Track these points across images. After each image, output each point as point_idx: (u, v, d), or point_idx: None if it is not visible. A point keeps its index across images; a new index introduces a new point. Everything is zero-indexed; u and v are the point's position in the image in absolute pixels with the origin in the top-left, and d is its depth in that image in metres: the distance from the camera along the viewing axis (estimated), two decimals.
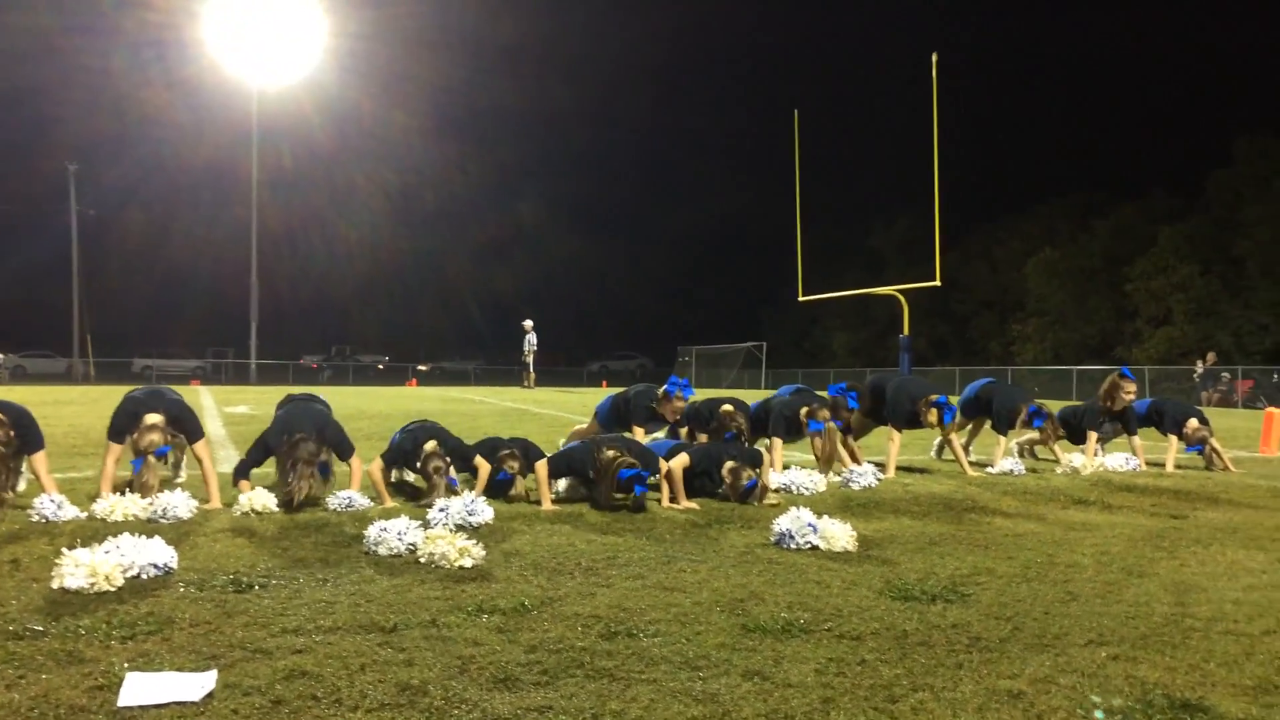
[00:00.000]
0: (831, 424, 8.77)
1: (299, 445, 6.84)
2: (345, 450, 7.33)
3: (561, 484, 7.64)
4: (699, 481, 7.67)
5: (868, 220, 69.75)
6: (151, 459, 6.68)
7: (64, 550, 4.72)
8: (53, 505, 6.29)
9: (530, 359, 35.44)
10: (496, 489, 7.45)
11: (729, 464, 7.52)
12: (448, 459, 7.26)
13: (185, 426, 7.28)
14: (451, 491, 6.99)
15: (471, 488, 7.31)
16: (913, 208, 56.78)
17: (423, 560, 5.23)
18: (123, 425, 7.01)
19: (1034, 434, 10.42)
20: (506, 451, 7.64)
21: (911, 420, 9.86)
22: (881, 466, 9.46)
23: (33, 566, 4.97)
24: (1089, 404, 11.29)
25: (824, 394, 9.62)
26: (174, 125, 56.52)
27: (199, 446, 7.25)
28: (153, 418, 6.96)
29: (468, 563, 5.15)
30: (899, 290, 27.39)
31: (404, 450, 7.46)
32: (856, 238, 69.52)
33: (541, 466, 7.32)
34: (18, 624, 3.94)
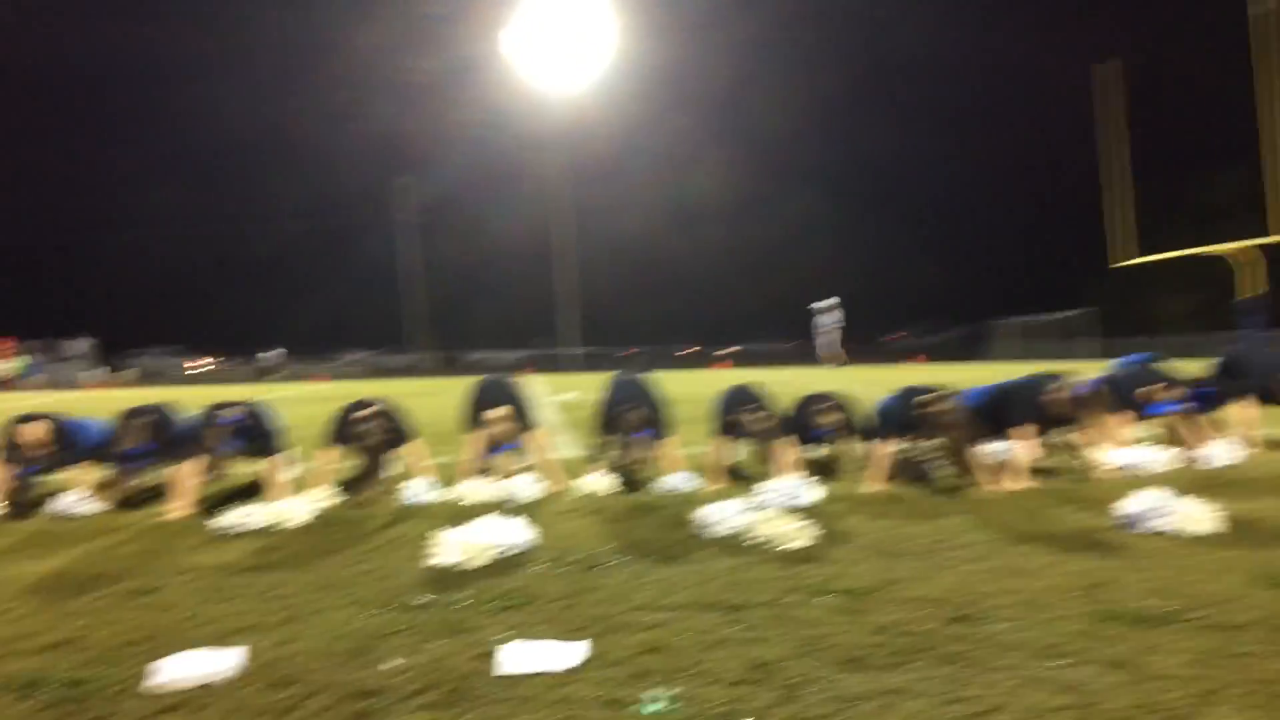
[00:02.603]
0: (1178, 409, 8.08)
1: (628, 415, 7.22)
2: (664, 428, 7.62)
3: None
4: None
5: (1198, 174, 63.11)
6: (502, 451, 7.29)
7: (437, 530, 5.23)
8: (421, 489, 6.98)
9: (833, 337, 35.10)
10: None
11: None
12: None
13: (526, 416, 7.84)
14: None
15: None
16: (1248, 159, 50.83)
17: (756, 541, 5.35)
18: (474, 416, 7.66)
19: None
20: (826, 405, 7.65)
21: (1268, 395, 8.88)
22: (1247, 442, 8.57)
23: (410, 545, 5.54)
24: None
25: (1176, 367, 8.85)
26: (483, 131, 60.46)
27: (537, 434, 7.78)
28: (499, 411, 7.54)
29: (800, 544, 5.22)
30: (1239, 247, 24.72)
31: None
32: (1186, 193, 63.15)
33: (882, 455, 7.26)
34: (407, 597, 4.41)
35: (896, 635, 3.70)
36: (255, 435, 7.14)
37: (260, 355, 56.64)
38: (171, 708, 3.13)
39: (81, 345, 56.24)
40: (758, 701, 3.10)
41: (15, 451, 7.02)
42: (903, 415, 7.35)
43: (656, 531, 5.80)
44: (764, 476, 7.15)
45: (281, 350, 56.85)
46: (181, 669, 3.35)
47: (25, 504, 6.92)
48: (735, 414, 7.63)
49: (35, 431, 7.02)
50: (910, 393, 7.43)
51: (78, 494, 6.95)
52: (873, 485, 7.11)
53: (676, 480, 7.22)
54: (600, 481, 7.20)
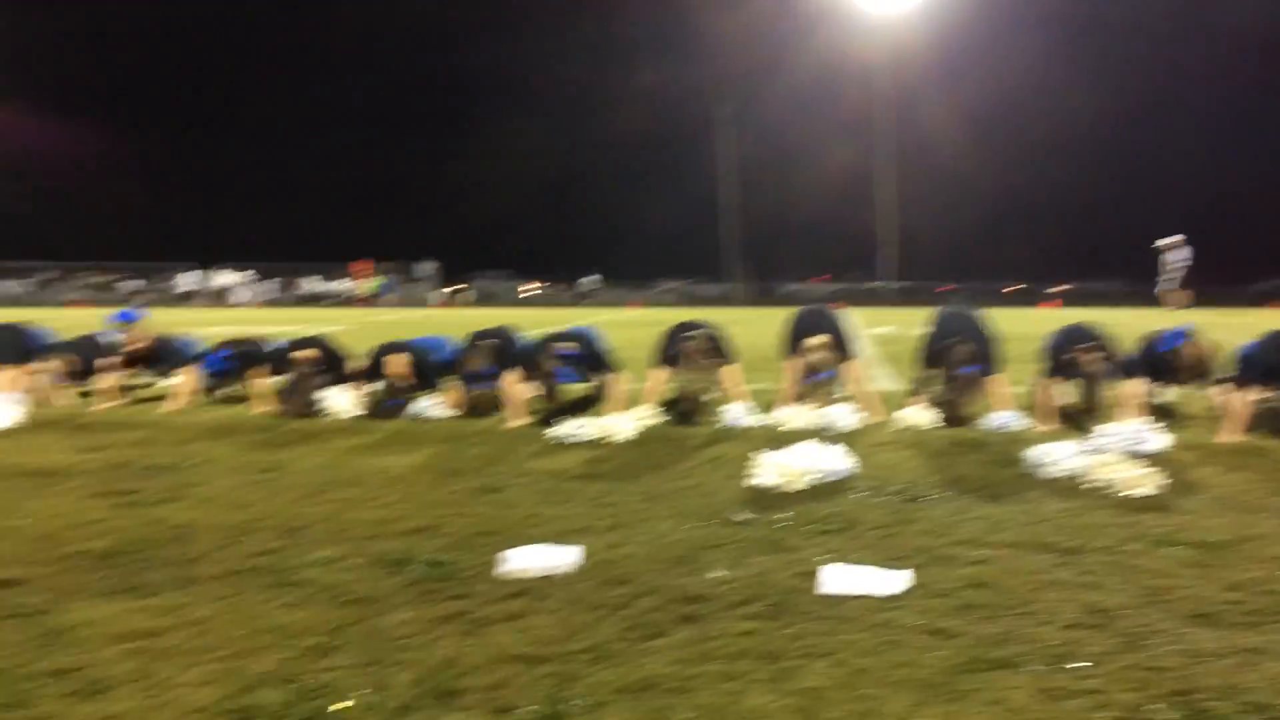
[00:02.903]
0: None
1: (955, 349, 6.99)
2: (994, 364, 7.29)
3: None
4: None
5: None
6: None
7: (756, 452, 5.33)
8: (739, 412, 7.13)
9: (1176, 276, 32.05)
10: None
11: None
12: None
13: (845, 346, 7.77)
14: None
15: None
16: None
17: (1093, 485, 5.04)
18: (794, 344, 7.69)
19: None
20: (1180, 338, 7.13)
21: None
22: None
23: (731, 464, 5.68)
24: None
25: None
26: (803, 57, 59.41)
27: (855, 364, 7.70)
28: (818, 339, 7.51)
29: (1145, 492, 4.87)
30: None
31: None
32: None
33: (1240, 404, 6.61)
34: (729, 513, 4.54)
35: (1255, 593, 3.39)
36: (587, 362, 7.58)
37: (580, 280, 59.45)
38: (519, 593, 3.41)
39: (429, 267, 61.45)
40: (1094, 647, 2.94)
41: (379, 377, 7.80)
42: (1270, 362, 6.63)
43: (982, 468, 5.61)
44: (1098, 419, 6.72)
45: (597, 276, 59.30)
46: (527, 560, 3.64)
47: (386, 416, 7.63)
48: (1069, 353, 7.18)
49: (399, 363, 7.76)
50: None
51: (432, 399, 7.63)
52: (1230, 435, 6.49)
53: (1004, 418, 6.92)
54: (921, 415, 7.04)
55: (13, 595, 3.43)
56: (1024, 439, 6.28)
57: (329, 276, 59.57)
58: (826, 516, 4.46)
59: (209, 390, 8.52)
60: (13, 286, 60.19)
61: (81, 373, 8.54)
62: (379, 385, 7.86)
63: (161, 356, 8.58)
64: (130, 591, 3.47)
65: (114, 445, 6.37)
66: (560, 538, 4.06)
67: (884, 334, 17.90)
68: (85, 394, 8.72)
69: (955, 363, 7.15)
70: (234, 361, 8.43)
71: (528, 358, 7.54)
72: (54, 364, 8.31)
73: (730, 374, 7.57)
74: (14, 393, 7.92)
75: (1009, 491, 4.99)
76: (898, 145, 52.41)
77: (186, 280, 58.69)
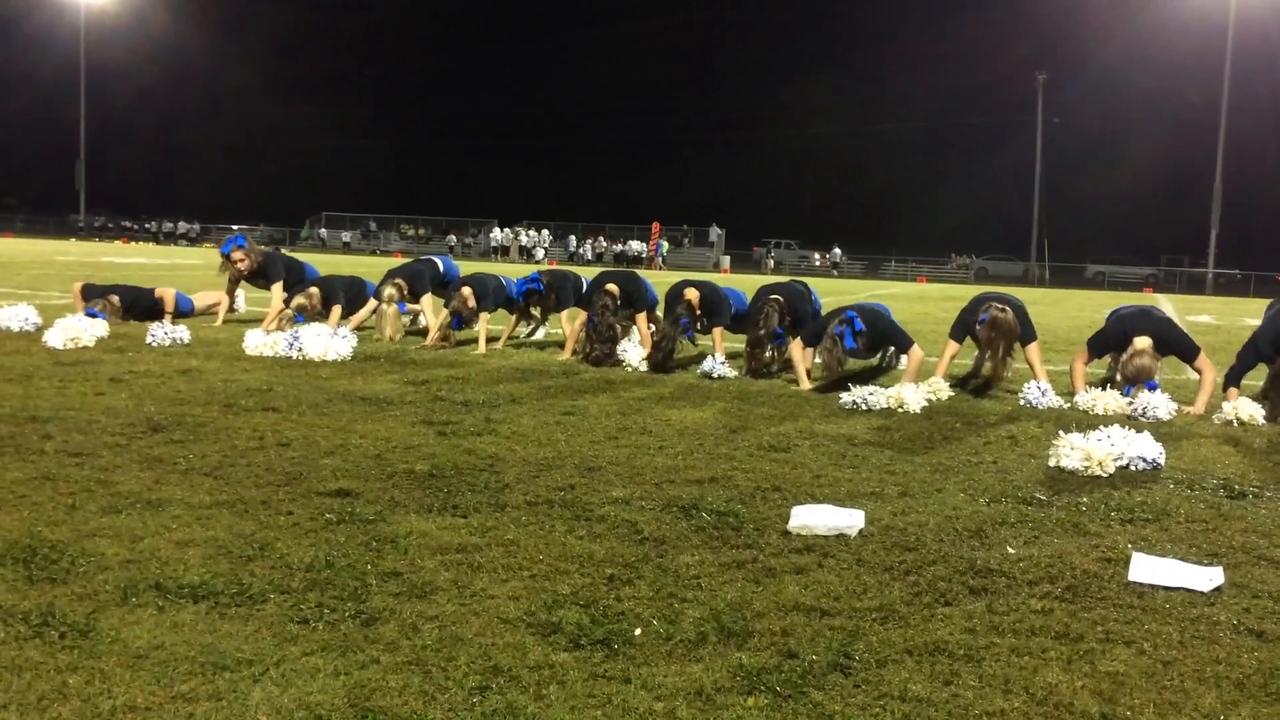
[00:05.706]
0: None
1: None
2: None
3: None
4: None
5: None
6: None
7: (1060, 433, 5.08)
8: (1037, 392, 6.80)
9: None
10: None
11: None
12: None
13: (1176, 349, 7.17)
14: None
15: None
16: None
17: None
18: (1112, 344, 7.23)
19: None
20: None
21: None
22: None
23: (1028, 444, 5.46)
24: None
25: None
26: (1138, 31, 54.99)
27: (1201, 361, 7.08)
28: (1142, 342, 6.92)
29: None
30: None
31: None
32: None
33: None
34: (1025, 492, 4.38)
35: None
36: (871, 340, 7.45)
37: (833, 252, 58.97)
38: (806, 549, 3.45)
39: (714, 233, 62.43)
40: None
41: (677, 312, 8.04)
42: None
43: None
44: None
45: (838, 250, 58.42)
46: (816, 518, 3.67)
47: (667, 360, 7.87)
48: None
49: (693, 295, 8.01)
50: None
51: (715, 359, 7.74)
52: None
53: None
54: (1248, 408, 6.42)
55: (350, 504, 3.83)
56: None
57: (621, 238, 61.86)
58: (1134, 504, 4.21)
59: (520, 312, 9.21)
60: (335, 237, 66.99)
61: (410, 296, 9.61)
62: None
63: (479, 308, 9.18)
64: (448, 510, 3.80)
65: (433, 380, 6.94)
66: (848, 500, 4.07)
67: (1203, 323, 16.45)
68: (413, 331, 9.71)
69: None
70: (540, 284, 8.91)
71: (816, 328, 7.48)
72: (389, 290, 9.22)
73: (1030, 352, 7.22)
74: (350, 327, 8.86)
75: None
76: (1226, 119, 47.80)
77: (497, 236, 63.06)
